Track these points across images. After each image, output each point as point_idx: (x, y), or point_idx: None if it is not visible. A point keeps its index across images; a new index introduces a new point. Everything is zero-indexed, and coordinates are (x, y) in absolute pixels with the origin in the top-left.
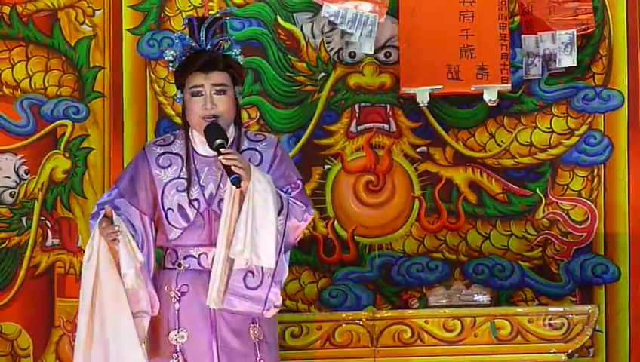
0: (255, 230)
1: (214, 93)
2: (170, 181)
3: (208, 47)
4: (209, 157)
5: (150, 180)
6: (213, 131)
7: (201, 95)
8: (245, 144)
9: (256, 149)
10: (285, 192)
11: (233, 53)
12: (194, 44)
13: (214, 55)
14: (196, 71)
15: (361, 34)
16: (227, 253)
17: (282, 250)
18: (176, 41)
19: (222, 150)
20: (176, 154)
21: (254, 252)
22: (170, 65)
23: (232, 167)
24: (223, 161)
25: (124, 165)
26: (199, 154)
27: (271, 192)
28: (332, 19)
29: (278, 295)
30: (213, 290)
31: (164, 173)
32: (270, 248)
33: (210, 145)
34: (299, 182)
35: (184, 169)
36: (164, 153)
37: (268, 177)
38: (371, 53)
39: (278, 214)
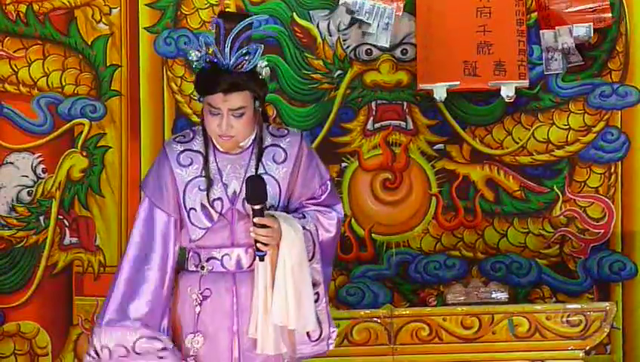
0: (295, 301)
1: (232, 115)
2: (191, 180)
3: (232, 61)
4: (232, 154)
5: (172, 179)
6: (255, 189)
7: (218, 115)
8: (268, 140)
9: (279, 146)
10: (314, 198)
11: (258, 68)
12: (218, 56)
13: (235, 78)
14: (215, 93)
15: (378, 26)
16: (267, 318)
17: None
18: (202, 45)
19: (255, 220)
20: (197, 151)
21: (298, 323)
22: (195, 64)
23: (258, 244)
24: (252, 235)
25: (142, 163)
26: (220, 152)
27: (305, 250)
28: (349, 7)
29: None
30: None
31: (185, 171)
32: (311, 314)
33: (248, 200)
34: (328, 182)
35: (204, 168)
36: (184, 151)
37: (299, 232)
38: (387, 46)
39: (311, 258)
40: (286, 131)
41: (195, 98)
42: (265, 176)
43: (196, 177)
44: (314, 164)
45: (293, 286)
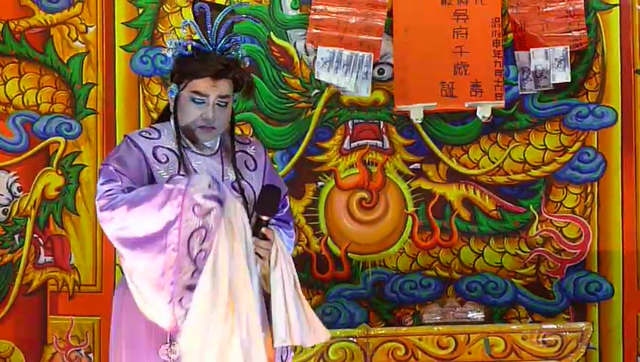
0: (305, 316)
1: (217, 104)
2: (170, 178)
3: (219, 46)
4: (205, 155)
5: (149, 174)
6: (271, 200)
7: (203, 103)
8: (237, 147)
9: (247, 153)
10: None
11: (240, 57)
12: (203, 41)
13: (226, 62)
14: (204, 77)
15: (357, 77)
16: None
17: None
18: (184, 28)
19: (263, 230)
20: (169, 149)
21: (313, 337)
22: (172, 51)
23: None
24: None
25: None
26: (193, 152)
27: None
28: (326, 68)
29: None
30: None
31: (163, 168)
32: (321, 327)
33: (260, 210)
34: (286, 197)
35: (181, 167)
36: (157, 147)
37: (287, 251)
38: (368, 95)
39: None
40: (248, 140)
41: (171, 92)
42: (242, 182)
43: (174, 176)
44: (277, 177)
45: (300, 302)
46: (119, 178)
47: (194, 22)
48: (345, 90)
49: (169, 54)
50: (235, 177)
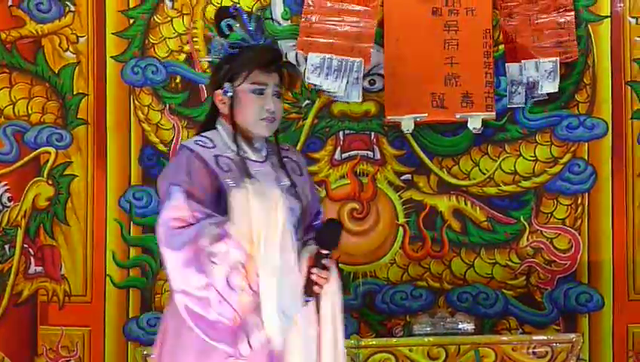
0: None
1: (274, 95)
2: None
3: (263, 41)
4: (261, 162)
5: (218, 186)
6: (335, 235)
7: (262, 94)
8: (281, 153)
9: (291, 158)
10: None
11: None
12: (246, 37)
13: (279, 52)
14: (261, 66)
15: (348, 82)
16: None
17: None
18: (226, 29)
19: (324, 261)
20: (227, 158)
21: None
22: (218, 53)
23: (315, 287)
24: (313, 277)
25: (108, 192)
26: (249, 159)
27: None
28: (317, 73)
29: None
30: None
31: (228, 177)
32: None
33: (322, 244)
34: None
35: (243, 176)
36: (217, 156)
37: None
38: (359, 101)
39: None
40: (287, 146)
41: (225, 92)
42: (297, 189)
43: (233, 185)
44: (314, 185)
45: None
46: (187, 205)
47: (233, 20)
48: (335, 95)
49: (213, 57)
50: (289, 183)
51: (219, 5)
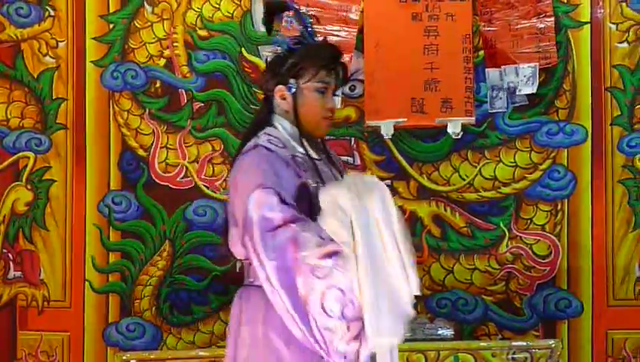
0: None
1: (333, 94)
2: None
3: (316, 38)
4: (319, 160)
5: (302, 186)
6: None
7: (325, 93)
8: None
9: (334, 154)
10: None
11: None
12: (305, 34)
13: (340, 51)
14: (326, 65)
15: None
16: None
17: None
18: (289, 21)
19: None
20: (301, 157)
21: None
22: (286, 45)
23: None
24: None
25: (87, 197)
26: (313, 158)
27: None
28: None
29: None
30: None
31: (309, 178)
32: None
33: None
34: None
35: (316, 176)
36: (294, 156)
37: None
38: (339, 107)
39: None
40: None
41: (290, 88)
42: None
43: (314, 185)
44: None
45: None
46: (281, 208)
47: (295, 17)
48: None
49: (285, 46)
50: (341, 179)
51: (198, 11)
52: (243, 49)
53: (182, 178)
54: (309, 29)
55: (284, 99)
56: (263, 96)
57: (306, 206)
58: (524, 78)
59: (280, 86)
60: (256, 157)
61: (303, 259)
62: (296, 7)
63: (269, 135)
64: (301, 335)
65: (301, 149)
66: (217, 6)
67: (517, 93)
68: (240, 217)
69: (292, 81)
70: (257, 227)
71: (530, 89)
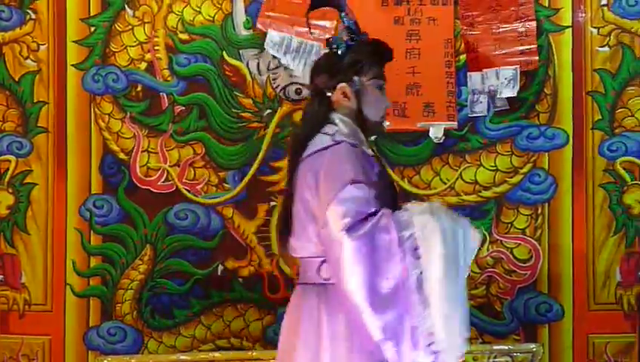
0: None
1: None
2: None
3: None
4: (374, 156)
5: (377, 182)
6: None
7: (382, 90)
8: None
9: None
10: None
11: None
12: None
13: (389, 47)
14: (383, 61)
15: (305, 64)
16: None
17: None
18: (346, 21)
19: None
20: (370, 156)
21: None
22: (344, 44)
23: None
24: None
25: (68, 201)
26: (368, 155)
27: None
28: (275, 49)
29: None
30: None
31: (380, 177)
32: None
33: None
34: None
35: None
36: (363, 152)
37: None
38: None
39: None
40: None
41: (355, 85)
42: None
43: (385, 182)
44: None
45: None
46: (374, 203)
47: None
48: (293, 72)
49: (343, 46)
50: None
51: (179, 14)
52: (224, 52)
53: (163, 182)
54: (356, 26)
55: (347, 96)
56: (314, 94)
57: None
58: (505, 81)
59: (343, 84)
60: (343, 153)
61: (405, 238)
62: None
63: (342, 132)
64: (372, 331)
65: (365, 146)
66: (198, 9)
67: (498, 97)
68: (323, 212)
69: (355, 78)
70: (348, 221)
71: (511, 92)
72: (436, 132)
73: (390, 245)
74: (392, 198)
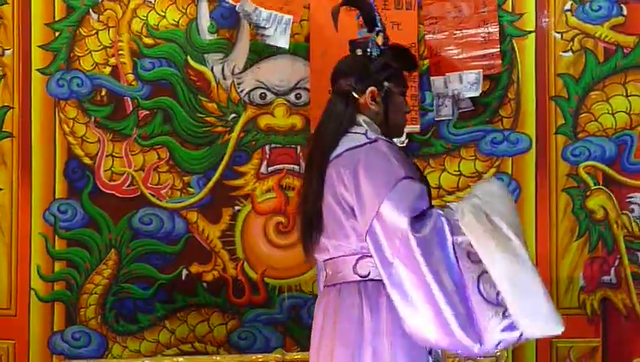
0: None
1: None
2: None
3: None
4: None
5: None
6: None
7: (405, 96)
8: None
9: None
10: None
11: None
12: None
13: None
14: (410, 68)
15: (276, 29)
16: None
17: None
18: (380, 25)
19: None
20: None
21: None
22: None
23: None
24: None
25: (32, 205)
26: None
27: None
28: (247, 18)
29: None
30: None
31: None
32: None
33: None
34: None
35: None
36: (400, 150)
37: None
38: (286, 47)
39: None
40: None
41: (384, 88)
42: None
43: (423, 180)
44: None
45: None
46: (425, 197)
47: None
48: (264, 34)
49: (378, 51)
50: None
51: (144, 19)
52: (189, 57)
53: (128, 186)
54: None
55: (374, 100)
56: (337, 95)
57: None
58: (468, 85)
59: (373, 87)
60: (385, 149)
61: (458, 244)
62: (373, 5)
63: (372, 130)
64: (438, 327)
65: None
66: (163, 14)
67: (461, 98)
68: (374, 208)
69: (386, 83)
70: (408, 214)
71: (474, 93)
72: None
73: (446, 249)
74: (429, 193)
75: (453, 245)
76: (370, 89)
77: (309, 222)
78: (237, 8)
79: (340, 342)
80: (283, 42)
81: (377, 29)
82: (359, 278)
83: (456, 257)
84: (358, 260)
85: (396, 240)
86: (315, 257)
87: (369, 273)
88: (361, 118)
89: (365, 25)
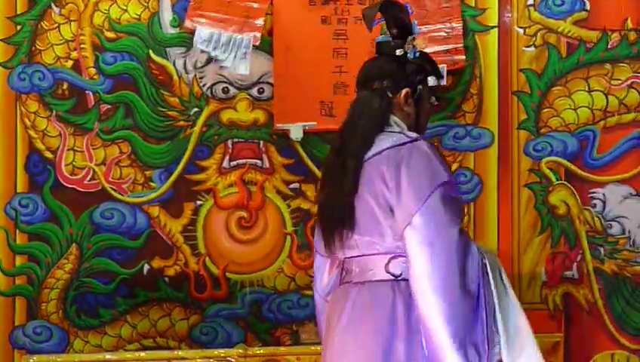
0: None
1: None
2: None
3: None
4: None
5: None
6: None
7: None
8: None
9: None
10: None
11: None
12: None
13: None
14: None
15: (235, 57)
16: None
17: None
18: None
19: None
20: None
21: None
22: (413, 52)
23: None
24: None
25: None
26: None
27: None
28: (205, 45)
29: None
30: None
31: None
32: None
33: None
34: None
35: None
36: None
37: None
38: (247, 73)
39: None
40: None
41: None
42: None
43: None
44: None
45: None
46: (461, 203)
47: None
48: (224, 64)
49: (410, 55)
50: None
51: (106, 12)
52: (151, 51)
53: (89, 180)
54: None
55: (407, 102)
56: (373, 92)
57: None
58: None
59: (408, 89)
60: (428, 150)
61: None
62: (409, 10)
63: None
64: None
65: None
66: (125, 8)
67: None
68: (416, 206)
69: (419, 86)
70: (451, 215)
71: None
72: (295, 133)
73: (475, 262)
74: None
75: (480, 263)
76: (405, 90)
77: (340, 219)
78: (195, 38)
79: (371, 336)
80: (243, 69)
81: (415, 34)
82: (392, 277)
83: (482, 272)
84: (390, 259)
85: (443, 241)
86: (334, 254)
87: (401, 273)
88: (393, 119)
89: (396, 30)
